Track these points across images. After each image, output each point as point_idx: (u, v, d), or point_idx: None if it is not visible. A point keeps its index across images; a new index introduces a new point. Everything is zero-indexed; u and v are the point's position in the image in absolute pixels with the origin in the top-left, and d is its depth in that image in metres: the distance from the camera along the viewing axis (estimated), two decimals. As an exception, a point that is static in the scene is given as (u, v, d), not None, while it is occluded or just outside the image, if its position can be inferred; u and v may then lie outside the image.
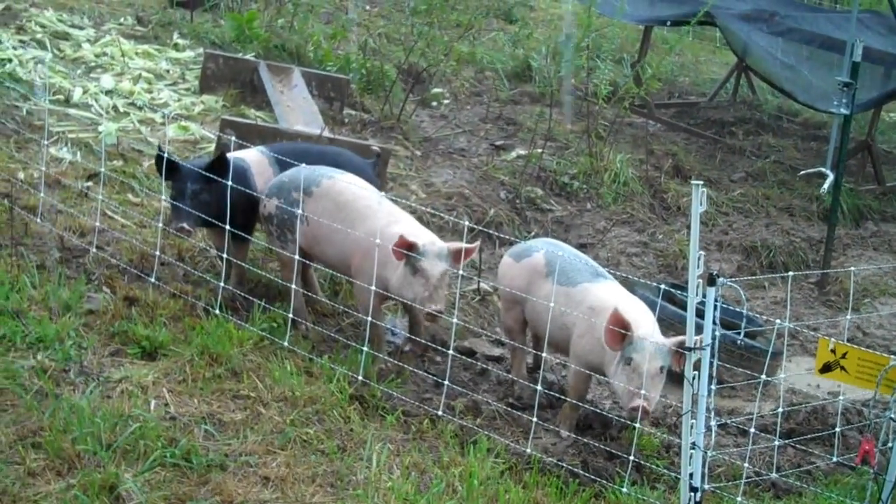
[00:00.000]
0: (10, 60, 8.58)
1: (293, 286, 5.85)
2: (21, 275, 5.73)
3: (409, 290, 5.61)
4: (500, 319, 6.36)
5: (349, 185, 5.92)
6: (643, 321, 5.35)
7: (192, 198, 5.90)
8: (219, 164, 5.93)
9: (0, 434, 4.55)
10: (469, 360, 6.04)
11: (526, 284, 5.80)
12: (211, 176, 5.88)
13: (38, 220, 6.29)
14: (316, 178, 5.93)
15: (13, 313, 5.37)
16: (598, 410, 5.87)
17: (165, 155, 5.90)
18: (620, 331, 5.18)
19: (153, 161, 6.14)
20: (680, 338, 5.14)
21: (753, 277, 8.47)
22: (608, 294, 5.54)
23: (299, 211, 5.86)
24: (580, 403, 5.63)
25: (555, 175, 9.43)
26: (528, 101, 11.39)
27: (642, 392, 5.15)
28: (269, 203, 5.99)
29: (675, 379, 6.47)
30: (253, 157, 6.29)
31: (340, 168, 6.20)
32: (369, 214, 5.80)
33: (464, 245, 5.67)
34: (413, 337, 6.03)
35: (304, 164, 5.86)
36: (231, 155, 6.16)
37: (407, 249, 5.55)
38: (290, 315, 5.65)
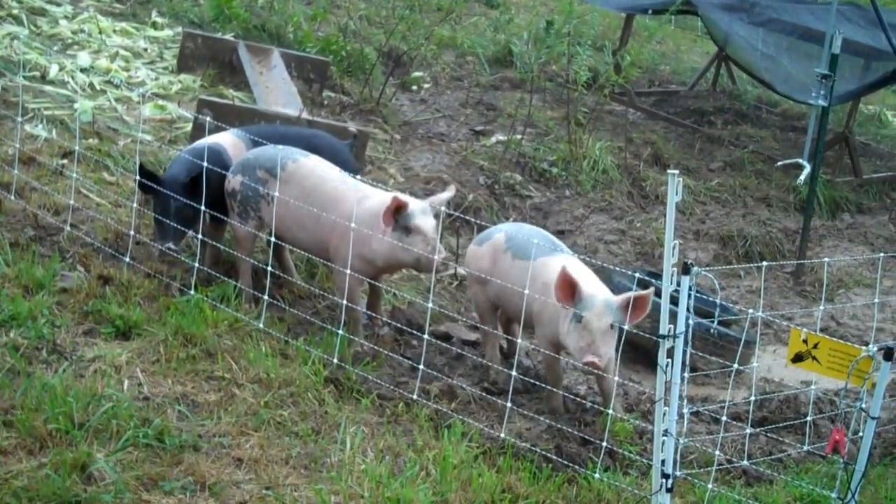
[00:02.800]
0: (-15, 36, 8.54)
1: (247, 260, 6.03)
2: (-6, 252, 5.72)
3: (407, 254, 5.68)
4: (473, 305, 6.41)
5: (313, 169, 5.95)
6: (591, 281, 5.52)
7: (175, 214, 5.89)
8: (194, 183, 5.88)
9: (-29, 412, 4.55)
10: (445, 344, 6.05)
11: (490, 265, 5.88)
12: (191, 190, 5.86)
13: (13, 197, 6.27)
14: (282, 160, 5.92)
15: (-14, 291, 5.36)
16: (573, 396, 5.90)
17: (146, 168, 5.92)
18: (569, 288, 5.30)
19: (133, 148, 6.10)
20: (627, 294, 5.32)
21: (729, 267, 8.52)
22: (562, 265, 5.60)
23: (263, 189, 5.92)
24: (555, 389, 5.68)
25: (534, 161, 9.44)
26: (508, 87, 11.38)
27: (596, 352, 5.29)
28: (233, 179, 6.03)
29: (648, 366, 6.54)
30: (228, 140, 6.29)
31: (317, 150, 6.21)
32: (338, 196, 5.84)
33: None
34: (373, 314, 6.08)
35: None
36: (206, 139, 6.17)
37: (396, 210, 5.62)
38: (266, 296, 5.66)
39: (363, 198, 5.84)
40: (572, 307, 5.36)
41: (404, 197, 5.77)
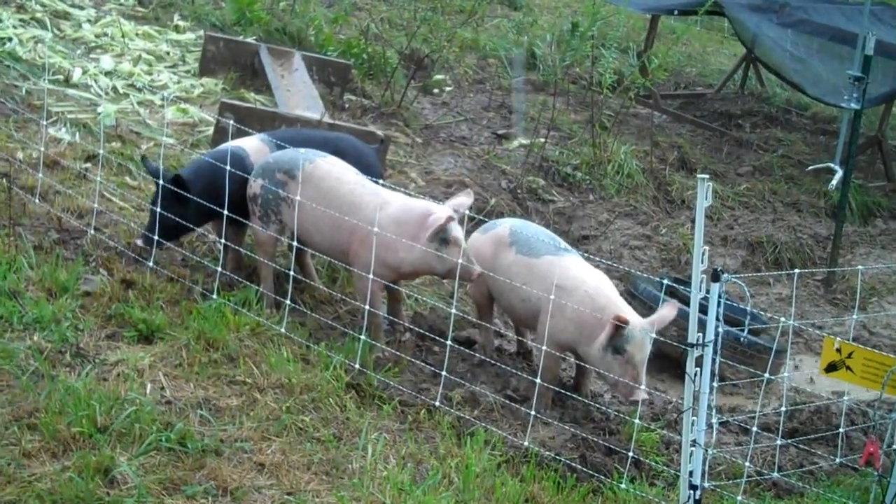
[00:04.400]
0: (9, 39, 8.63)
1: (269, 265, 6.12)
2: (18, 255, 5.79)
3: (442, 264, 5.74)
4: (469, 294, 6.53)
5: (330, 171, 5.98)
6: (629, 309, 5.58)
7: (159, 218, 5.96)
8: (176, 182, 5.95)
9: (-5, 415, 4.61)
10: (467, 350, 6.09)
11: (491, 255, 5.95)
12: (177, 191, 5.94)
13: (37, 200, 6.34)
14: (298, 161, 5.97)
15: (10, 294, 5.42)
16: (598, 406, 5.92)
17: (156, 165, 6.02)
18: (621, 325, 5.28)
19: (150, 146, 6.18)
20: (658, 317, 5.41)
21: (759, 274, 8.52)
22: (575, 271, 5.64)
23: (283, 192, 5.97)
24: (551, 386, 5.76)
25: (557, 165, 9.47)
26: (531, 90, 11.41)
27: (643, 387, 5.26)
28: (254, 183, 6.08)
29: (675, 375, 6.56)
30: (252, 145, 6.34)
31: (342, 154, 6.26)
32: (357, 200, 5.86)
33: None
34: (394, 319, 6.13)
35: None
36: (230, 143, 6.24)
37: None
38: (288, 301, 5.71)
39: (384, 203, 5.85)
40: (610, 341, 5.41)
41: (451, 212, 5.79)
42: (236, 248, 6.24)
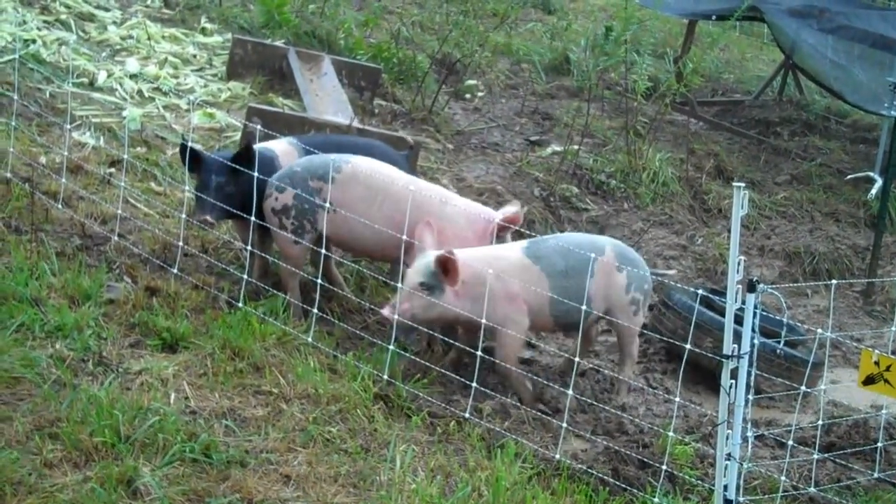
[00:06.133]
0: (33, 41, 8.68)
1: (295, 275, 6.11)
2: (41, 262, 5.82)
3: None
4: None
5: (374, 168, 6.05)
6: None
7: (216, 189, 5.98)
8: (245, 154, 5.99)
9: (17, 424, 4.63)
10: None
11: None
12: (236, 167, 5.95)
13: (60, 206, 6.38)
14: (335, 164, 6.01)
15: (32, 301, 5.45)
16: (631, 418, 5.90)
17: (189, 145, 5.99)
18: None
19: (177, 151, 6.22)
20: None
21: (796, 284, 8.46)
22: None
23: (318, 199, 5.96)
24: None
25: (591, 173, 9.44)
26: (565, 96, 11.40)
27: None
28: (282, 196, 6.02)
29: (711, 387, 6.52)
30: (282, 148, 6.36)
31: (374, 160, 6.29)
32: (418, 195, 5.93)
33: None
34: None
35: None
36: (259, 145, 6.23)
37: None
38: (315, 310, 5.71)
39: (446, 198, 6.09)
40: None
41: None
42: (262, 254, 6.25)
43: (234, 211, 6.01)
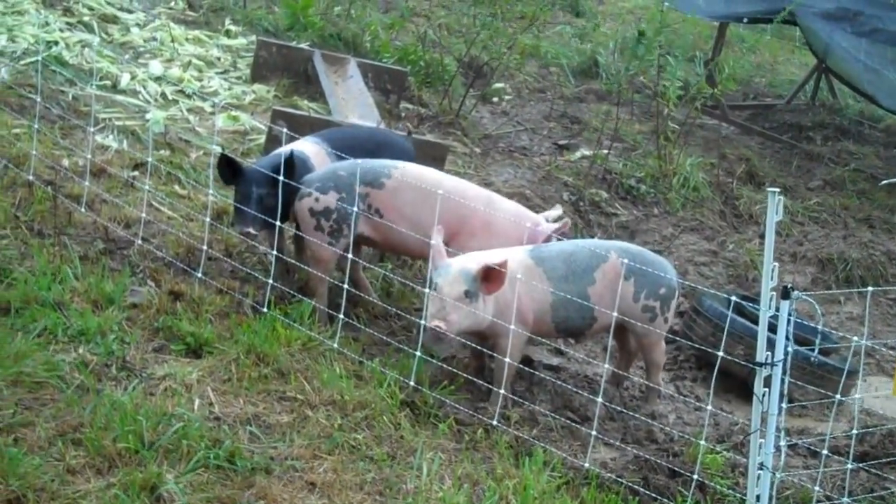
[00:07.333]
0: (56, 43, 8.72)
1: (324, 280, 6.11)
2: (63, 265, 5.84)
3: None
4: None
5: (423, 171, 6.20)
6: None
7: (258, 202, 5.98)
8: (288, 165, 5.96)
9: (40, 429, 4.64)
10: (526, 368, 6.06)
11: None
12: (277, 177, 5.94)
13: (83, 209, 6.40)
14: (384, 169, 6.08)
15: (55, 305, 5.47)
16: (661, 426, 5.88)
17: (230, 156, 6.05)
18: None
19: (216, 162, 6.20)
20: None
21: (829, 292, 8.42)
22: None
23: (369, 205, 6.02)
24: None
25: (621, 177, 9.42)
26: (594, 99, 11.38)
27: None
28: (323, 198, 6.02)
29: (740, 395, 6.50)
30: (311, 149, 6.38)
31: (384, 145, 6.58)
32: (465, 193, 6.08)
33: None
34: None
35: (360, 152, 6.18)
36: (287, 147, 6.24)
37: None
38: (341, 315, 5.71)
39: (492, 199, 6.25)
40: None
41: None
42: (291, 260, 6.28)
43: (276, 222, 6.04)
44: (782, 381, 4.40)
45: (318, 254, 6.13)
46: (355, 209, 5.94)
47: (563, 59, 12.13)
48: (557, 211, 6.57)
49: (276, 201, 5.92)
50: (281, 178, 5.81)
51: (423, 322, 5.54)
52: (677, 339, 6.96)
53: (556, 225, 6.27)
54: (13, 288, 5.55)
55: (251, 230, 6.01)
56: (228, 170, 6.09)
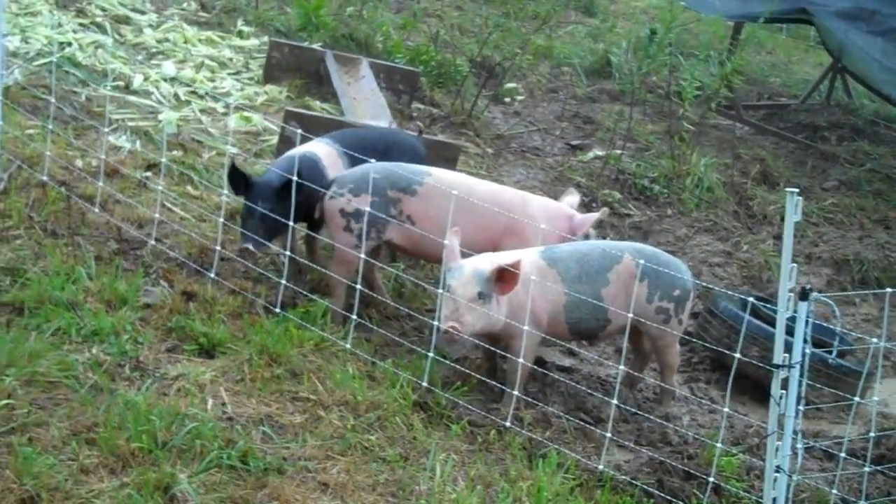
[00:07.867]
0: (69, 44, 8.76)
1: (344, 281, 6.11)
2: (77, 266, 5.86)
3: None
4: None
5: (455, 176, 6.29)
6: None
7: (261, 218, 5.99)
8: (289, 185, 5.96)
9: (53, 429, 4.66)
10: (539, 369, 6.06)
11: None
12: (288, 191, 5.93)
13: (96, 209, 6.42)
14: (417, 176, 6.08)
15: (68, 305, 5.49)
16: (676, 428, 5.87)
17: (238, 166, 6.08)
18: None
19: (228, 170, 6.21)
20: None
21: (846, 293, 8.39)
22: None
23: (400, 211, 6.06)
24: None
25: (634, 178, 9.42)
26: (606, 99, 11.38)
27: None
28: (356, 199, 5.99)
29: (757, 397, 6.48)
30: (323, 150, 6.38)
31: (395, 145, 6.62)
32: (501, 199, 6.16)
33: None
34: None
35: (371, 152, 6.16)
36: (298, 149, 6.25)
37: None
38: (354, 316, 5.72)
39: (526, 198, 6.36)
40: None
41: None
42: (306, 262, 6.29)
43: (288, 223, 6.05)
44: (800, 383, 4.39)
45: (341, 255, 6.12)
46: (387, 217, 6.01)
47: (575, 59, 12.13)
48: (575, 196, 6.64)
49: (284, 213, 5.90)
50: (294, 178, 5.81)
51: (436, 323, 5.54)
52: (692, 340, 6.95)
53: (596, 215, 6.36)
54: (27, 288, 5.57)
55: (250, 247, 6.02)
56: (238, 181, 6.09)
